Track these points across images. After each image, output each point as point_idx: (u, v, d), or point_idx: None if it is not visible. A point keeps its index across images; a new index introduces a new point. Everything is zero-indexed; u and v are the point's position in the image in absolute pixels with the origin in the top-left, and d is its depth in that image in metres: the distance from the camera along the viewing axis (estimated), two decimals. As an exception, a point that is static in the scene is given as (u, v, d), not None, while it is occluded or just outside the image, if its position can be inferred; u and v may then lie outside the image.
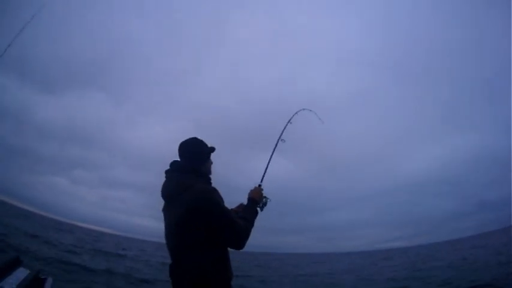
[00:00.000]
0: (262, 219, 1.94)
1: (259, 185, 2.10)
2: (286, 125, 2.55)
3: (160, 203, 1.80)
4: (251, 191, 2.01)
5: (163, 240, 1.76)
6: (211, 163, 1.93)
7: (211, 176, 1.90)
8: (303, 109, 2.74)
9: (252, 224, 1.79)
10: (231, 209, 1.93)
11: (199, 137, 1.90)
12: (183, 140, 1.87)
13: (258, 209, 1.94)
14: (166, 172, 1.84)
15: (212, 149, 1.91)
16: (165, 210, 1.77)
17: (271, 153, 2.32)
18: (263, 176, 2.16)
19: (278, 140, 2.44)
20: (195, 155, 1.83)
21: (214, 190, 1.70)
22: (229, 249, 1.70)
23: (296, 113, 2.67)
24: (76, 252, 12.13)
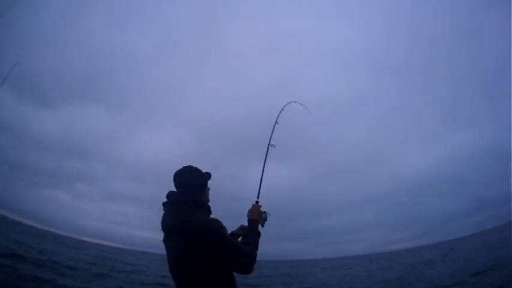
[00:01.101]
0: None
1: (257, 202, 2.03)
2: (274, 126, 2.39)
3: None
4: (249, 211, 1.95)
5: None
6: (209, 190, 1.88)
7: (210, 204, 1.85)
8: (289, 103, 2.55)
9: (256, 247, 1.77)
10: (232, 232, 1.92)
11: (193, 165, 1.84)
12: (177, 169, 1.81)
13: (260, 225, 1.91)
14: (164, 205, 1.79)
15: (208, 176, 1.86)
16: (167, 242, 1.73)
17: (263, 165, 2.20)
18: (259, 191, 2.08)
19: (268, 146, 2.30)
20: (192, 186, 1.78)
21: (217, 221, 1.67)
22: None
23: (282, 109, 2.49)
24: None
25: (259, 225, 1.90)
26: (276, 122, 2.41)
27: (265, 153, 2.28)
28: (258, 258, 1.73)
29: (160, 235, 1.74)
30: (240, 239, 1.87)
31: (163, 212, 1.79)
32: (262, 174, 2.16)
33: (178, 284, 1.66)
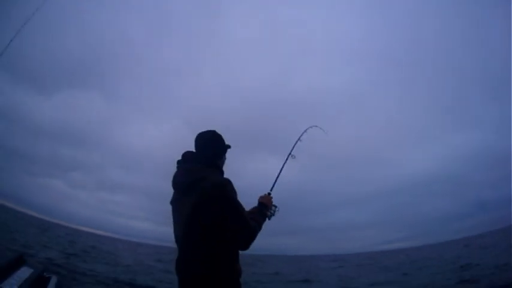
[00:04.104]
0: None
1: (269, 193, 2.09)
2: (296, 142, 2.56)
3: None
4: (261, 196, 2.00)
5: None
6: (225, 159, 1.90)
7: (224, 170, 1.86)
8: (311, 126, 2.78)
9: (260, 227, 1.77)
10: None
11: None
12: (201, 131, 1.85)
13: (267, 216, 1.94)
14: (179, 162, 1.80)
15: (229, 146, 1.89)
16: (176, 201, 1.73)
17: (281, 166, 2.33)
18: (273, 185, 2.17)
19: (288, 155, 2.45)
20: (213, 148, 1.81)
21: (230, 182, 1.66)
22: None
23: (305, 130, 2.69)
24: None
25: (266, 218, 1.93)
26: (298, 139, 2.59)
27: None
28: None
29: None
30: None
31: (176, 170, 1.79)
32: (279, 173, 2.27)
33: (181, 247, 1.64)
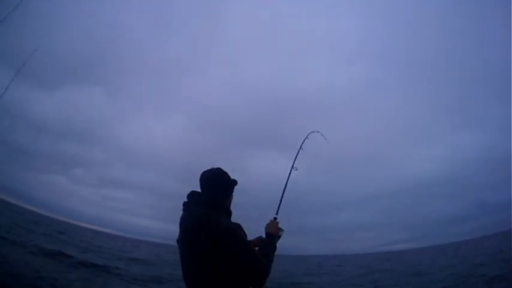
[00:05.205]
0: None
1: (275, 218, 2.05)
2: (298, 152, 2.51)
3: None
4: (268, 225, 1.96)
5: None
6: (232, 198, 1.86)
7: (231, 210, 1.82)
8: (312, 132, 2.75)
9: (272, 261, 1.75)
10: (250, 240, 1.87)
11: (223, 168, 1.82)
12: (206, 170, 1.79)
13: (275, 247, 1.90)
14: (186, 204, 1.76)
15: (235, 182, 1.84)
16: (184, 243, 1.68)
17: (285, 185, 2.26)
18: (278, 208, 2.12)
19: (291, 169, 2.38)
20: (220, 188, 1.76)
21: (239, 226, 1.64)
22: None
23: (307, 137, 2.66)
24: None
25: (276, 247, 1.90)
26: (300, 148, 2.52)
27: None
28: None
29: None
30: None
31: (182, 211, 1.76)
32: (283, 194, 2.20)
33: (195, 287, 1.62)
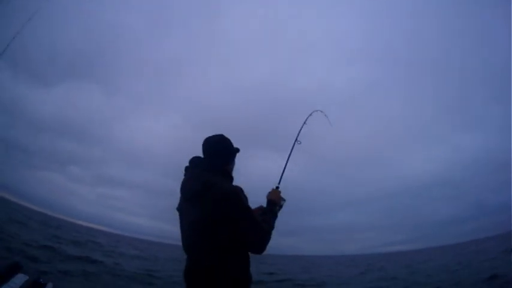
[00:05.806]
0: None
1: (277, 187, 2.03)
2: (302, 126, 2.50)
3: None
4: (269, 193, 1.93)
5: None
6: (234, 164, 1.85)
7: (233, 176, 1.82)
8: (316, 110, 2.69)
9: (273, 227, 1.72)
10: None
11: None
12: (210, 136, 1.79)
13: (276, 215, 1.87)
14: (187, 169, 1.76)
15: (238, 150, 1.84)
16: (184, 209, 1.68)
17: (288, 155, 2.26)
18: (280, 178, 2.12)
19: (295, 142, 2.36)
20: (222, 154, 1.76)
21: (241, 190, 1.63)
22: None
23: (310, 114, 2.62)
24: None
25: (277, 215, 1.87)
26: (304, 123, 2.52)
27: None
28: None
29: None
30: None
31: (183, 176, 1.75)
32: (286, 164, 2.21)
33: (190, 255, 1.61)
